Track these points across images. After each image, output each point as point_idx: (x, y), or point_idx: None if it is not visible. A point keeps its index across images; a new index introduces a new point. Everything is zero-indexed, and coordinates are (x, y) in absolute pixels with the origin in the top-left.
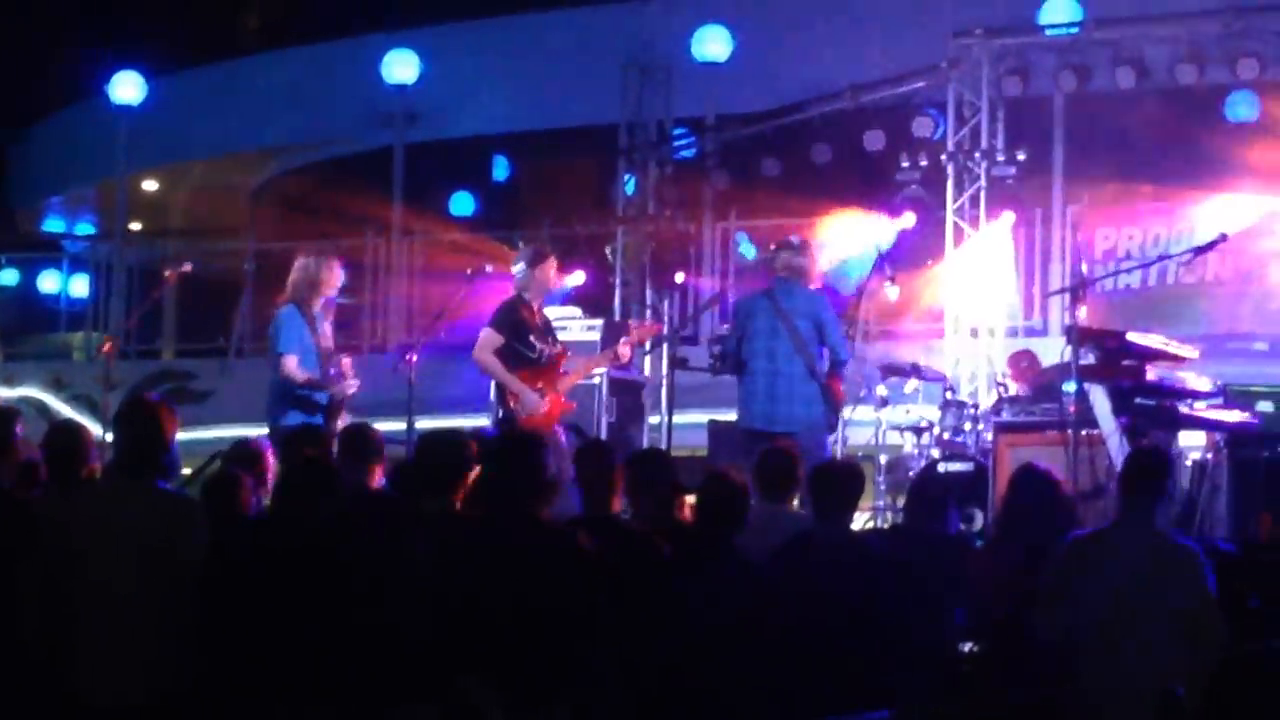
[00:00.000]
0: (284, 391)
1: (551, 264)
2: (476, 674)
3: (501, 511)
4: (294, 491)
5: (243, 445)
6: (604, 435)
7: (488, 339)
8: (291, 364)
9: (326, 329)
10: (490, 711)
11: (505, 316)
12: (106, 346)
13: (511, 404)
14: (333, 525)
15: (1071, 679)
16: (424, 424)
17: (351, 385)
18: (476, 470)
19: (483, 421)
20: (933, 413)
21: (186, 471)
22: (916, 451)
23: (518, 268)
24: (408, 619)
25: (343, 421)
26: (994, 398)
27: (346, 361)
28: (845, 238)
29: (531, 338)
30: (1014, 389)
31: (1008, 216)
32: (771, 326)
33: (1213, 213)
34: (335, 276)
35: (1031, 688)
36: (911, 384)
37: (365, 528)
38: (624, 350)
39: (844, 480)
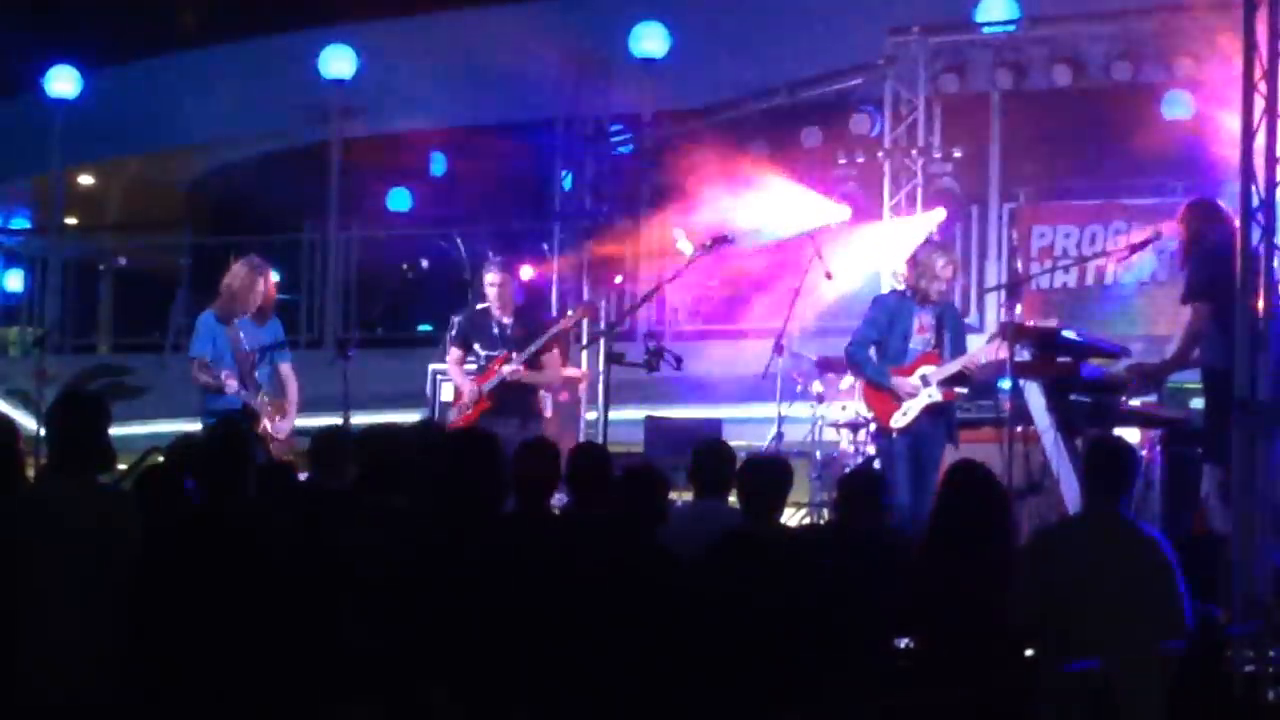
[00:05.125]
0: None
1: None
2: (432, 674)
3: (462, 509)
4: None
5: (186, 439)
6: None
7: (450, 356)
8: (194, 366)
9: (246, 336)
10: (441, 712)
11: (459, 329)
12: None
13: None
14: (267, 519)
15: (1021, 670)
16: (360, 419)
17: (230, 386)
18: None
19: (417, 417)
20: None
21: (122, 467)
22: (853, 448)
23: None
24: (349, 616)
25: (277, 425)
26: None
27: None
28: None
29: (476, 346)
30: None
31: (939, 213)
32: None
33: (1148, 210)
34: (256, 293)
35: (973, 682)
36: (847, 380)
37: (301, 522)
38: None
39: (771, 476)
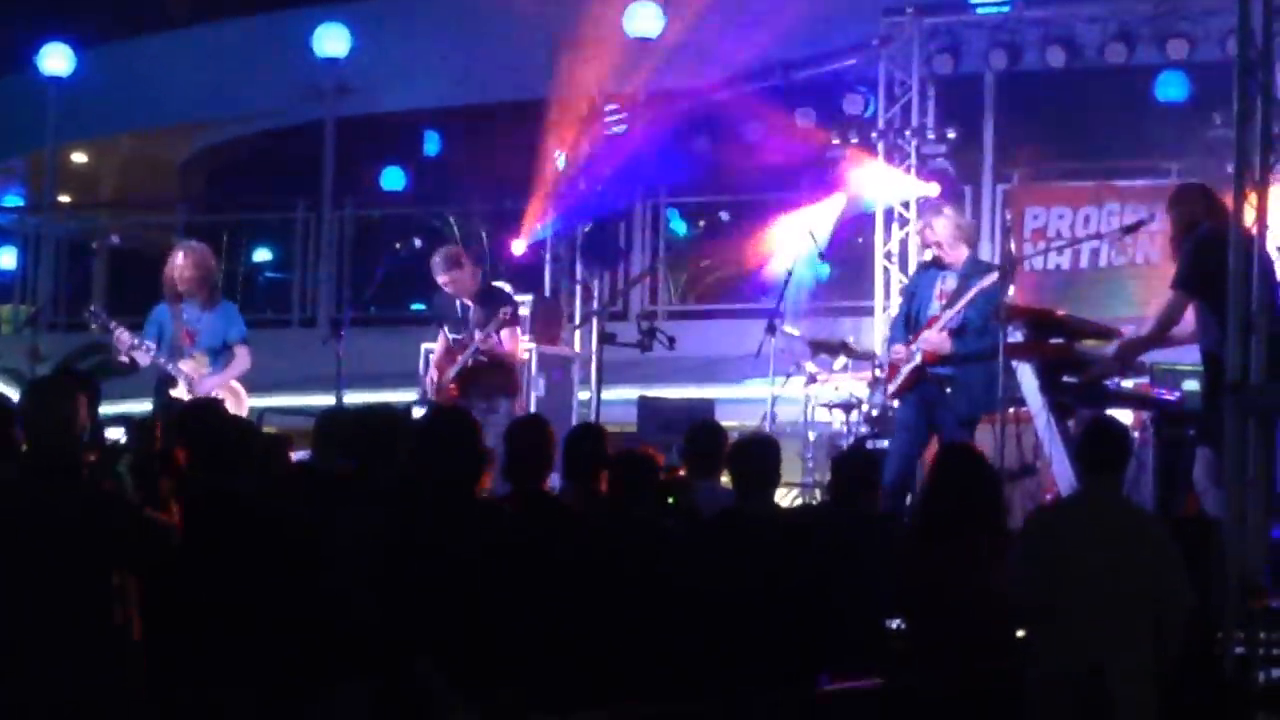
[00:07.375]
0: None
1: (469, 267)
2: (421, 653)
3: (438, 488)
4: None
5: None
6: (533, 409)
7: (439, 340)
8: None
9: (190, 318)
10: (438, 692)
11: (433, 313)
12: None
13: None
14: (270, 499)
15: (1012, 652)
16: (353, 398)
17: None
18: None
19: (411, 396)
20: (862, 389)
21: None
22: (845, 429)
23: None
24: (337, 594)
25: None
26: None
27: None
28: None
29: (446, 329)
30: None
31: (933, 186)
32: None
33: (1142, 192)
34: (172, 269)
35: (964, 663)
36: (840, 361)
37: (295, 500)
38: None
39: (760, 454)
